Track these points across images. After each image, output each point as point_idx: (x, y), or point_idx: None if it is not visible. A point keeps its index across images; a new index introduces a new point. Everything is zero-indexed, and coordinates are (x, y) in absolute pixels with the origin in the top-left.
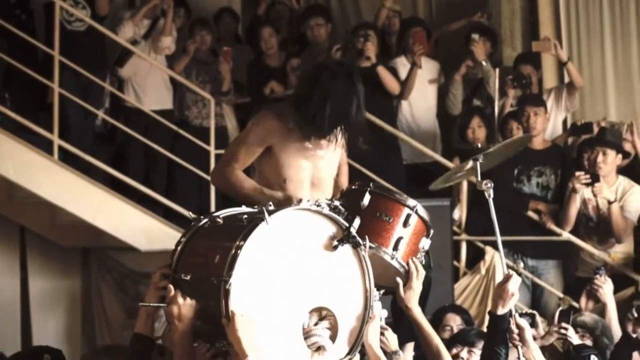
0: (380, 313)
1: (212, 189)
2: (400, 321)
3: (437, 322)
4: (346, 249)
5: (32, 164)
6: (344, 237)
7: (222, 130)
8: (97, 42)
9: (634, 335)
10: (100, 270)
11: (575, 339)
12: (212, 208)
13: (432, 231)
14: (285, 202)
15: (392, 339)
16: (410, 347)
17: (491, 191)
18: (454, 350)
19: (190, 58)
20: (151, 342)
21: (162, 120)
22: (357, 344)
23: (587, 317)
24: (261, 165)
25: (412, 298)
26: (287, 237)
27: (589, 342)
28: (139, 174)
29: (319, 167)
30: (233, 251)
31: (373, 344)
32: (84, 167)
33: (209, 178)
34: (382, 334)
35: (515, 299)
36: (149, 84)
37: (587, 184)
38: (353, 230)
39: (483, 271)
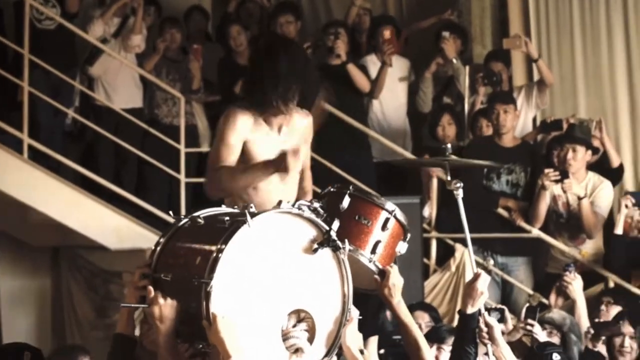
0: (355, 316)
1: (183, 187)
2: (365, 317)
3: None
4: (326, 252)
5: (2, 163)
6: (324, 240)
7: (192, 128)
8: (67, 40)
9: (596, 350)
10: (70, 269)
11: (541, 335)
12: (183, 207)
13: (409, 235)
14: (279, 159)
15: (357, 337)
16: (373, 341)
17: (460, 191)
18: None
19: (160, 56)
20: (134, 342)
21: (132, 118)
22: (335, 346)
23: (555, 313)
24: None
25: (393, 294)
26: (269, 240)
27: (556, 339)
28: (109, 172)
29: None
30: (214, 254)
31: (351, 346)
32: (54, 166)
33: (179, 177)
34: None
35: (484, 298)
36: (119, 83)
37: (556, 181)
38: (333, 234)
39: (453, 268)
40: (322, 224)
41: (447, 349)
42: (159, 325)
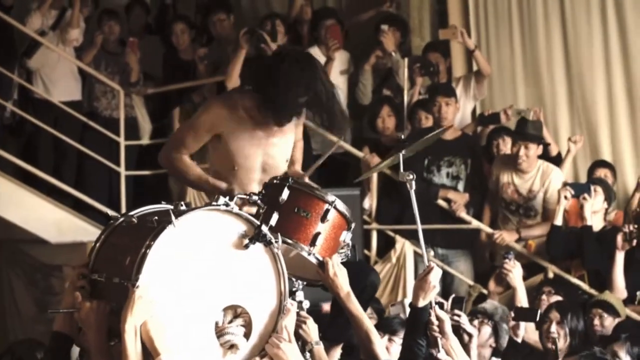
0: (293, 307)
1: (123, 180)
2: (339, 313)
3: None
4: (259, 247)
5: None
6: (255, 235)
7: (132, 121)
8: (4, 33)
9: (518, 340)
10: (10, 264)
11: (468, 326)
12: (123, 200)
13: (353, 225)
14: (228, 193)
15: (312, 328)
16: (337, 349)
17: (413, 183)
18: None
19: (99, 49)
20: (70, 340)
21: (71, 111)
22: None
23: (487, 303)
24: (212, 152)
25: (338, 285)
26: (198, 238)
27: (488, 328)
28: (48, 166)
29: (270, 154)
30: (141, 254)
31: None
32: None
33: (119, 169)
34: (304, 322)
35: (436, 291)
36: (58, 75)
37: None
38: (264, 229)
39: (394, 260)
40: (252, 219)
41: (398, 340)
42: (87, 329)
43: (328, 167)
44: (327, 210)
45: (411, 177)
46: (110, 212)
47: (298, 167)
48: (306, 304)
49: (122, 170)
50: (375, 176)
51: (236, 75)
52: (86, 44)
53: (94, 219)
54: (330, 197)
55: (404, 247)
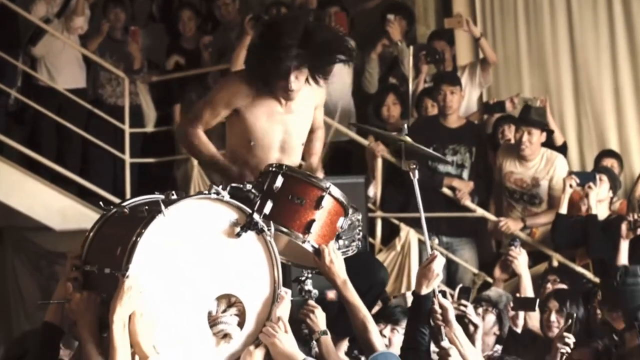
0: (287, 295)
1: (127, 167)
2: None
3: None
4: (251, 235)
5: None
6: (246, 224)
7: (136, 108)
8: (9, 20)
9: (518, 330)
10: (15, 251)
11: (474, 316)
12: (127, 187)
13: (350, 210)
14: (237, 177)
15: (320, 317)
16: (344, 343)
17: (416, 172)
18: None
19: (104, 37)
20: (60, 331)
21: (76, 99)
22: None
23: (492, 291)
24: (229, 128)
25: (334, 272)
26: (189, 227)
27: (492, 316)
28: (52, 153)
29: (289, 131)
30: (131, 244)
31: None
32: None
33: (124, 157)
34: (312, 312)
35: (439, 280)
36: (63, 63)
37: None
38: (256, 217)
39: (398, 248)
40: (244, 207)
41: (401, 330)
42: (77, 320)
43: (333, 155)
44: (322, 197)
45: (414, 166)
46: (102, 204)
47: (316, 160)
48: (315, 294)
49: (127, 158)
50: (380, 164)
51: (241, 62)
52: (91, 32)
53: (99, 207)
54: (325, 184)
55: (408, 235)
